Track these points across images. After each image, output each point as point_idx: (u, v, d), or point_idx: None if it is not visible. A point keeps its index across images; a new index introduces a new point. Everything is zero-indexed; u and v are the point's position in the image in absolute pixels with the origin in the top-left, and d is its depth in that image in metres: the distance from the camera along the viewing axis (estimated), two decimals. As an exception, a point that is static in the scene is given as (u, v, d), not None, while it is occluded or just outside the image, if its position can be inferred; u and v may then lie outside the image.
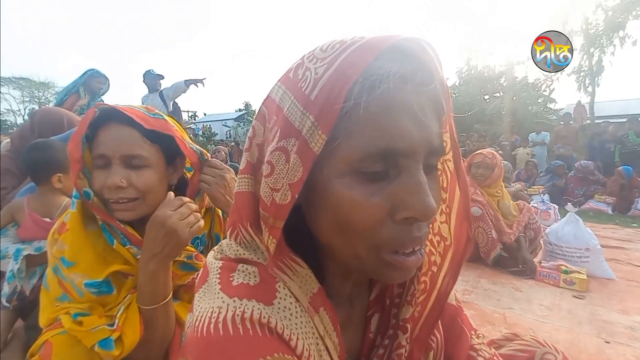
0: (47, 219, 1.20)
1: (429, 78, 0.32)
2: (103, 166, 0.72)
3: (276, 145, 0.32)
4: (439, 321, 0.47)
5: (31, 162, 1.24)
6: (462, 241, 0.45)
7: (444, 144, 0.36)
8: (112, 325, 0.68)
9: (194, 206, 0.73)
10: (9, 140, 1.94)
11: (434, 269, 0.45)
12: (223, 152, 5.45)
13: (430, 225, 0.43)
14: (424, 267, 0.44)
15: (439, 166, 0.42)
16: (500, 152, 6.37)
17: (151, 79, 3.72)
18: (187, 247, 0.80)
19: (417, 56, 0.32)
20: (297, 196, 0.31)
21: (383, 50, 0.30)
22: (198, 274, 0.79)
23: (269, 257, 0.35)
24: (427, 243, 0.44)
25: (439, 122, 0.34)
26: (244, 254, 0.38)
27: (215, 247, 0.44)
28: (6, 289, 1.10)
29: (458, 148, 0.41)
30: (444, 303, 0.45)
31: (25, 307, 1.18)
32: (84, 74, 3.12)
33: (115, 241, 0.73)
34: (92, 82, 3.12)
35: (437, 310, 0.45)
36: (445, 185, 0.44)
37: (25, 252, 1.14)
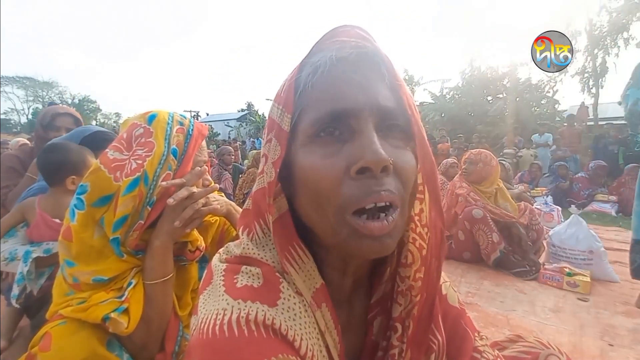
0: (57, 220, 1.20)
1: (366, 54, 0.38)
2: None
3: (266, 139, 0.40)
4: (441, 323, 0.47)
5: (46, 164, 1.23)
6: (438, 227, 0.43)
7: (405, 110, 0.38)
8: (120, 297, 0.73)
9: (200, 202, 0.81)
10: (19, 139, 1.98)
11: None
12: (232, 156, 4.69)
13: (417, 217, 0.42)
14: (416, 264, 0.42)
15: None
16: (504, 151, 6.35)
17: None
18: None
19: (353, 39, 0.39)
20: (278, 170, 0.37)
21: (324, 42, 0.39)
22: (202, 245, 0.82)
23: (278, 246, 0.37)
24: (417, 237, 0.42)
25: (387, 89, 0.38)
26: (252, 251, 0.39)
27: (221, 250, 0.44)
28: (16, 290, 1.10)
29: (422, 130, 0.39)
30: (434, 296, 0.43)
31: (32, 305, 1.19)
32: None
33: (125, 255, 0.76)
34: None
35: (429, 306, 0.43)
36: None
37: (34, 255, 1.14)
